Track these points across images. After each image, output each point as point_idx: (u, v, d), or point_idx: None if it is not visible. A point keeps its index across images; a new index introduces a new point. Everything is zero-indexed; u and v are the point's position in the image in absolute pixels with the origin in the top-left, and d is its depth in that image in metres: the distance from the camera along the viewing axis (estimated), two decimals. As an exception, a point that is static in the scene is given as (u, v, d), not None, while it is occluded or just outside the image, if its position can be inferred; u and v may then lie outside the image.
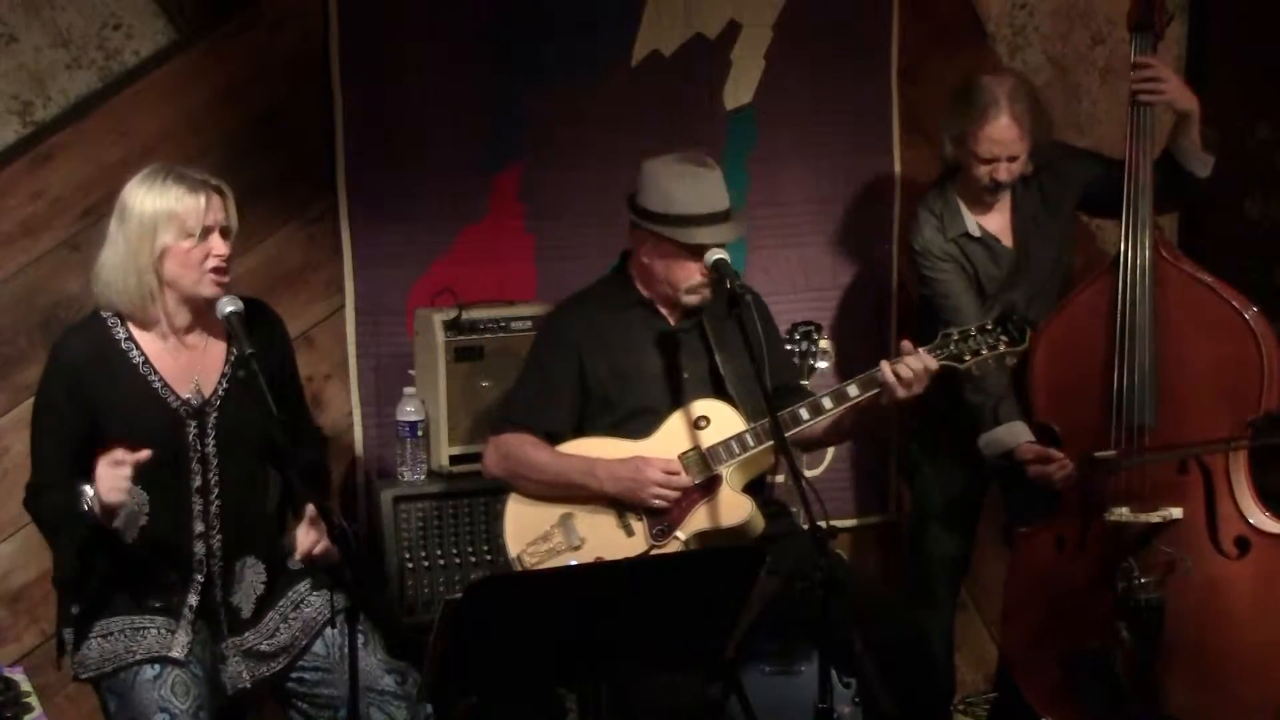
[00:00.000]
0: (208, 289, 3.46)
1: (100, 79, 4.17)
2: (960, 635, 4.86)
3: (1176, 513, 4.00)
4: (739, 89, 4.72)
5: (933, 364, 3.64)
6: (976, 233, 4.26)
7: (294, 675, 3.58)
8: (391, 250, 4.44)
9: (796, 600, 3.67)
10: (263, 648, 3.55)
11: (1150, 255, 4.03)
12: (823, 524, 3.31)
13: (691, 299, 3.84)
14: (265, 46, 4.29)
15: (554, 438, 3.83)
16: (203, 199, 3.43)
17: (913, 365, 3.63)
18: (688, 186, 3.77)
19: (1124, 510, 4.03)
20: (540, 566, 3.73)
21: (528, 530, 3.78)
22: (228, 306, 3.42)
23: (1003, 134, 4.13)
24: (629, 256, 3.95)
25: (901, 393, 3.63)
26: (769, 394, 3.58)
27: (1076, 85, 4.92)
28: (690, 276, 3.80)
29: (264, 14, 4.28)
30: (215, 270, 3.45)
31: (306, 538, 3.46)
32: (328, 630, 3.55)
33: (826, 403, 3.73)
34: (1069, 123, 4.82)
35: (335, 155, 4.37)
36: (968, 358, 3.69)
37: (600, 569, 3.33)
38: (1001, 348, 3.69)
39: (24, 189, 4.14)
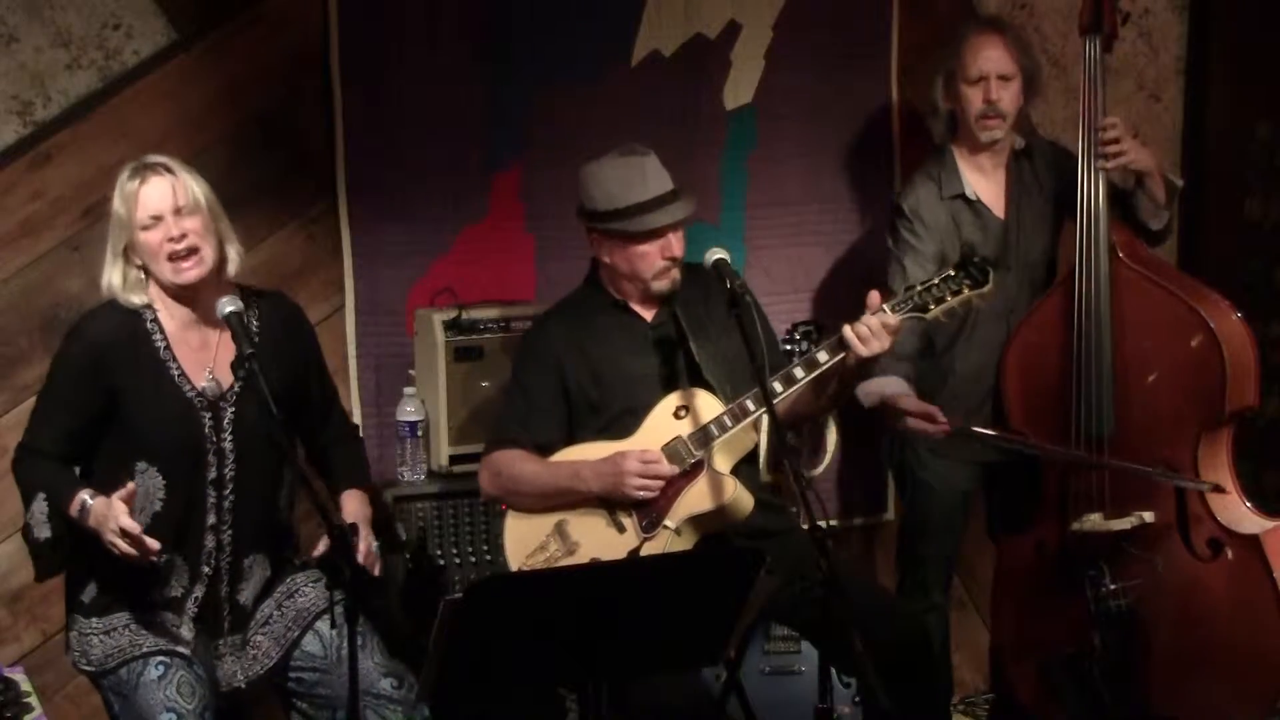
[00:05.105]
0: (181, 276, 3.42)
1: (100, 79, 4.17)
2: (960, 635, 4.85)
3: (1149, 516, 3.99)
4: (739, 89, 4.72)
5: (891, 319, 3.61)
6: (972, 195, 4.24)
7: (292, 675, 3.57)
8: (391, 250, 4.44)
9: (796, 600, 3.68)
10: (256, 638, 3.53)
11: (1107, 267, 4.01)
12: (823, 524, 3.31)
13: (661, 285, 3.84)
14: (265, 46, 4.29)
15: (546, 449, 3.83)
16: (138, 184, 3.40)
17: (870, 323, 3.61)
18: (626, 177, 3.78)
19: (1094, 517, 4.02)
20: None
21: (525, 543, 3.79)
22: (227, 306, 3.40)
23: (988, 47, 4.16)
24: (597, 264, 3.94)
25: (864, 350, 3.61)
26: (769, 395, 3.57)
27: (1076, 85, 4.90)
28: (652, 263, 3.81)
29: (264, 14, 4.28)
30: (173, 257, 3.40)
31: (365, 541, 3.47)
32: (325, 630, 3.53)
33: (798, 372, 3.71)
34: (1069, 122, 4.81)
35: (335, 155, 4.36)
36: (932, 306, 3.65)
37: (600, 569, 3.32)
38: (965, 291, 3.64)
39: (24, 189, 4.14)
